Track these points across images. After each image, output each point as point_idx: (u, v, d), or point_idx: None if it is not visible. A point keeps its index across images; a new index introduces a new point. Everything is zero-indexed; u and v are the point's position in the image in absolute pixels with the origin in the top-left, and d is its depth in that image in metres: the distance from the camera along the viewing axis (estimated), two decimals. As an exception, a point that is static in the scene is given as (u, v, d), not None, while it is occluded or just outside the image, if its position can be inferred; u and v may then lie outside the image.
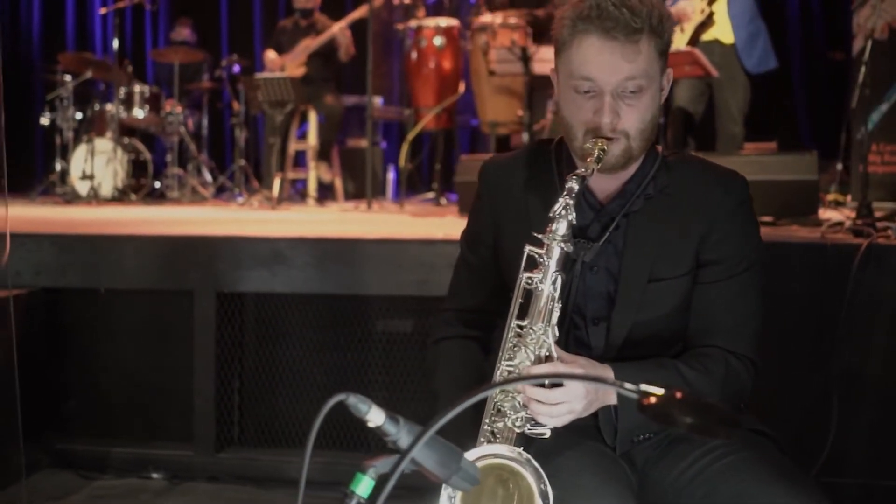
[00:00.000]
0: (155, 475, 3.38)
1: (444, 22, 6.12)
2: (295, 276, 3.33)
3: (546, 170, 1.71)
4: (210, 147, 7.76)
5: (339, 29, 6.36)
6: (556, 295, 1.49)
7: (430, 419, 1.79)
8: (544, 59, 5.51)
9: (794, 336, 3.01)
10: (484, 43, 5.83)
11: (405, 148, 6.11)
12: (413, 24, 6.09)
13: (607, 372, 1.52)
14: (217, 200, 7.01)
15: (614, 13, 1.50)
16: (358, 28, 6.50)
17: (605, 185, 1.65)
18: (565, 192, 1.49)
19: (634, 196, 1.64)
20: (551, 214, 1.49)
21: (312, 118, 6.63)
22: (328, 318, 3.42)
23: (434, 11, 6.44)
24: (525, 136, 5.62)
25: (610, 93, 1.53)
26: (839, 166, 6.14)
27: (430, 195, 6.59)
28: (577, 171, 1.51)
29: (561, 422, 1.48)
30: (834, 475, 2.85)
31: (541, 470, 1.39)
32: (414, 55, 6.07)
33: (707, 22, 5.17)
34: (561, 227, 1.48)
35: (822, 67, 7.56)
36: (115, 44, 7.14)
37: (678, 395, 0.92)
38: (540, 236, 1.50)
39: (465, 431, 1.70)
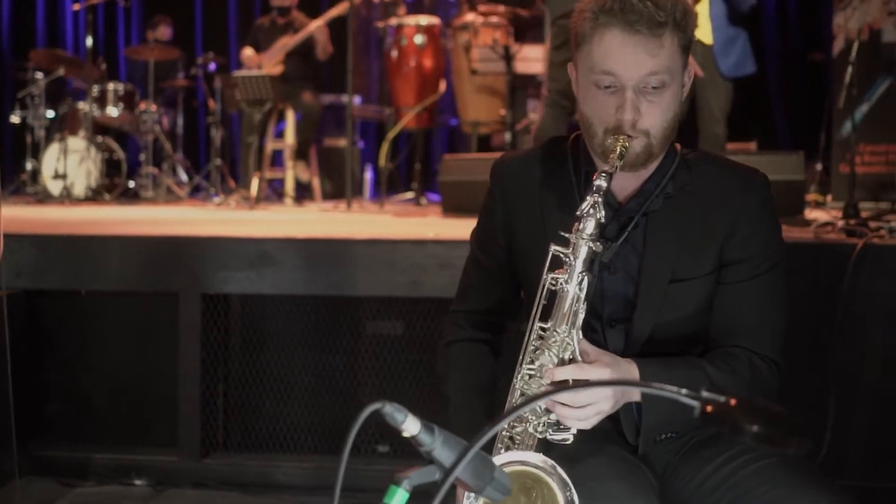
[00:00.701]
0: (138, 482, 3.29)
1: (425, 20, 6.06)
2: (283, 278, 3.26)
3: (562, 168, 1.66)
4: (185, 146, 7.65)
5: (316, 27, 6.29)
6: (582, 296, 1.44)
7: (446, 424, 1.75)
8: (527, 58, 5.48)
9: (791, 336, 2.97)
10: (465, 41, 5.79)
11: (385, 147, 6.05)
12: (394, 22, 6.03)
13: (632, 369, 1.48)
14: (193, 200, 6.90)
15: (638, 6, 1.46)
16: (336, 26, 6.43)
17: (623, 184, 1.61)
18: (594, 190, 1.44)
19: (654, 195, 1.59)
20: (578, 213, 1.44)
21: (290, 117, 6.54)
22: (316, 320, 3.36)
23: (414, 9, 6.38)
24: (508, 136, 5.58)
25: (632, 88, 1.49)
26: (818, 167, 6.16)
27: (410, 195, 6.54)
28: (604, 169, 1.46)
29: (588, 424, 1.43)
30: (831, 476, 2.82)
31: (566, 478, 1.34)
32: (394, 54, 6.01)
33: (691, 22, 5.15)
34: (589, 226, 1.43)
35: (800, 68, 7.60)
36: (89, 41, 7.01)
37: (743, 401, 0.87)
38: (567, 235, 1.45)
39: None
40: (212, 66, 7.46)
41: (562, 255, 1.45)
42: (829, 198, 5.74)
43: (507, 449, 1.48)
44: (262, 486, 3.29)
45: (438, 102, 6.20)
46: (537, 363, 1.45)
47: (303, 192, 6.84)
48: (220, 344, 3.36)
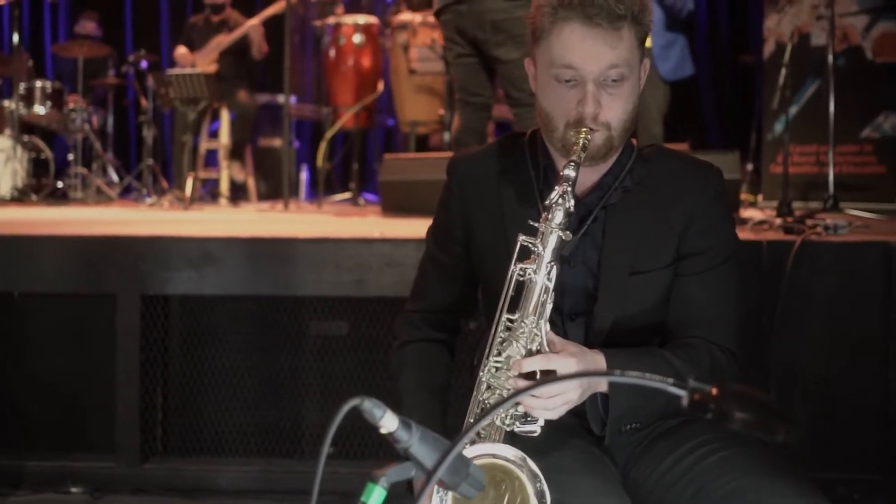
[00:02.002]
0: (74, 489, 3.19)
1: (364, 19, 6.03)
2: (226, 278, 3.19)
3: (520, 163, 1.66)
4: (115, 145, 7.47)
5: (251, 26, 6.20)
6: (551, 286, 1.44)
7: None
8: (466, 59, 5.47)
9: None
10: (404, 41, 5.77)
11: (323, 147, 6.00)
12: (331, 20, 5.98)
13: (599, 359, 1.48)
14: (124, 201, 6.75)
15: (598, 0, 1.46)
16: (271, 25, 6.35)
17: (582, 178, 1.60)
18: (562, 180, 1.44)
19: (612, 188, 1.60)
20: (547, 202, 1.44)
21: (225, 116, 6.45)
22: (260, 320, 3.30)
23: (350, 9, 6.33)
24: (446, 136, 5.58)
25: (593, 81, 1.49)
26: (749, 167, 6.30)
27: (347, 195, 6.50)
28: (572, 158, 1.46)
29: (556, 414, 1.43)
30: (795, 464, 2.88)
31: (537, 470, 1.34)
32: (332, 53, 5.97)
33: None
34: (558, 216, 1.43)
35: (730, 70, 7.75)
36: (15, 37, 6.80)
37: (729, 389, 0.88)
38: (536, 224, 1.45)
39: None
40: (143, 64, 7.32)
41: (530, 246, 1.45)
42: (759, 197, 5.87)
43: (474, 442, 1.47)
44: (205, 491, 3.22)
45: (376, 102, 6.17)
46: (504, 355, 1.44)
47: (238, 193, 6.75)
48: (160, 346, 3.28)
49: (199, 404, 3.31)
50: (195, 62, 6.40)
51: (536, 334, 1.44)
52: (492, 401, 1.47)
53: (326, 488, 3.22)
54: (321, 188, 6.04)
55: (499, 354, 1.46)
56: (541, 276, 1.44)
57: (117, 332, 3.20)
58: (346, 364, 3.29)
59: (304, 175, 7.52)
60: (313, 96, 6.52)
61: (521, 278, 1.45)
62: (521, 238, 1.46)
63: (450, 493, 1.33)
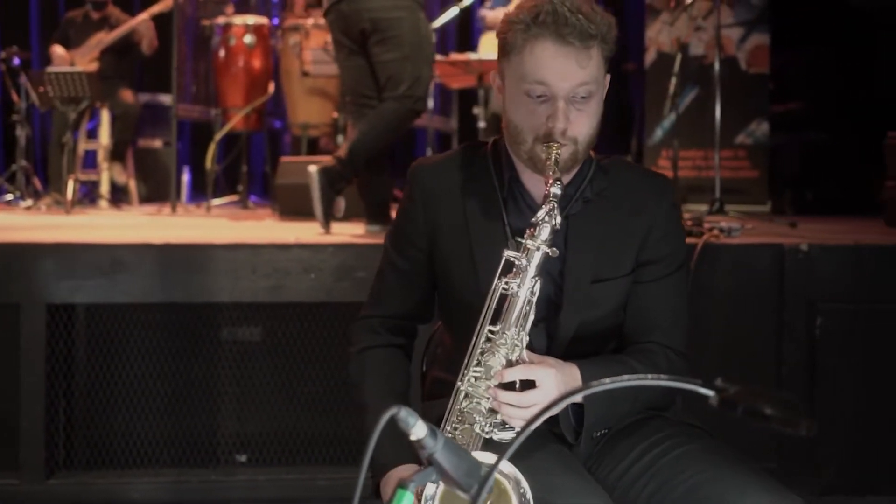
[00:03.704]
0: (-25, 508, 3.06)
1: (254, 20, 5.95)
2: (138, 285, 3.12)
3: (483, 173, 1.70)
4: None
5: (141, 21, 6.02)
6: (534, 300, 1.49)
7: (361, 432, 1.74)
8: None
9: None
10: (296, 43, 5.73)
11: (212, 149, 5.88)
12: (221, 20, 5.87)
13: (574, 371, 1.54)
14: (-6, 204, 6.42)
15: (571, 19, 1.52)
16: (157, 24, 6.19)
17: (541, 187, 1.66)
18: (550, 198, 1.49)
19: (574, 199, 1.66)
20: (534, 220, 1.49)
21: (105, 116, 6.23)
22: (172, 328, 3.23)
23: (239, 9, 6.23)
24: (340, 139, 5.57)
25: (563, 98, 1.55)
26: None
27: (234, 198, 6.39)
28: (556, 177, 1.51)
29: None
30: (750, 458, 3.02)
31: (519, 475, 1.38)
32: (222, 53, 5.86)
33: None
34: (544, 233, 1.49)
35: (613, 78, 7.99)
36: None
37: (750, 389, 0.95)
38: (521, 240, 1.50)
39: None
40: (16, 61, 6.98)
41: (514, 260, 1.50)
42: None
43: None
44: (115, 505, 3.14)
45: (265, 104, 6.10)
46: (485, 365, 1.49)
47: (118, 196, 6.53)
48: (67, 357, 3.17)
49: (109, 415, 3.22)
50: (73, 60, 6.16)
51: (517, 345, 1.49)
52: (468, 407, 1.51)
53: (246, 497, 3.20)
54: (209, 190, 5.91)
55: (478, 364, 1.50)
56: (524, 289, 1.49)
57: (22, 344, 3.08)
58: (261, 369, 3.26)
59: (186, 177, 7.33)
60: (201, 97, 6.38)
61: (505, 292, 1.50)
62: (507, 253, 1.50)
63: (440, 489, 1.35)
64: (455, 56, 5.15)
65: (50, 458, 3.14)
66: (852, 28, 6.12)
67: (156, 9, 5.96)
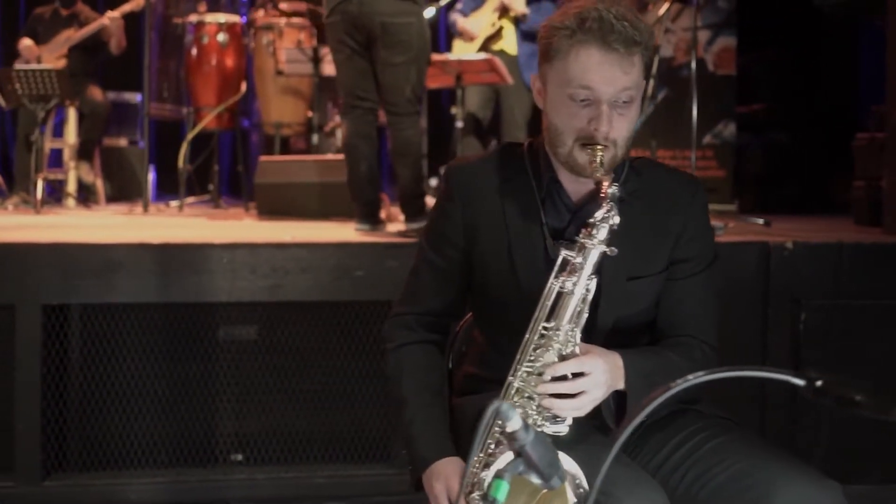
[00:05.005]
0: (-30, 512, 3.03)
1: (226, 18, 5.91)
2: (135, 285, 3.11)
3: (520, 174, 1.75)
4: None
5: (111, 19, 5.94)
6: (589, 297, 1.54)
7: (400, 427, 1.78)
8: (335, 61, 5.49)
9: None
10: (269, 42, 5.72)
11: (185, 148, 5.84)
12: (193, 18, 5.83)
13: (616, 358, 1.60)
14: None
15: (617, 26, 1.57)
16: (126, 22, 6.12)
17: (579, 188, 1.72)
18: (608, 198, 1.54)
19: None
20: (592, 220, 1.55)
21: (72, 114, 6.15)
22: (169, 328, 3.23)
23: (210, 7, 6.19)
24: (316, 138, 5.58)
25: (606, 102, 1.61)
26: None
27: (205, 197, 6.35)
28: (613, 181, 1.56)
29: (583, 412, 1.54)
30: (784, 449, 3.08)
31: (574, 464, 1.44)
32: (195, 51, 5.82)
33: (496, 34, 5.44)
34: (602, 232, 1.54)
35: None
36: None
37: (836, 378, 1.01)
38: (578, 239, 1.55)
39: (440, 437, 1.71)
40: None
41: (570, 258, 1.55)
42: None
43: (499, 444, 1.56)
44: (111, 506, 3.13)
45: (237, 103, 6.07)
46: (539, 361, 1.54)
47: (84, 195, 6.44)
48: (62, 357, 3.15)
49: (105, 416, 3.21)
50: (41, 56, 6.07)
51: (570, 341, 1.54)
52: (520, 404, 1.55)
53: (245, 496, 3.21)
54: (181, 190, 5.87)
55: (532, 361, 1.55)
56: (580, 287, 1.54)
57: (17, 345, 3.06)
58: (259, 368, 3.27)
59: (151, 176, 7.26)
60: (171, 95, 6.32)
61: (562, 290, 1.55)
62: (564, 252, 1.55)
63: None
64: (434, 56, 5.20)
65: (46, 459, 3.12)
66: (816, 31, 6.30)
67: (127, 7, 5.89)
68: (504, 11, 5.46)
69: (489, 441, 1.57)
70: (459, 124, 5.06)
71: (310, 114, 5.68)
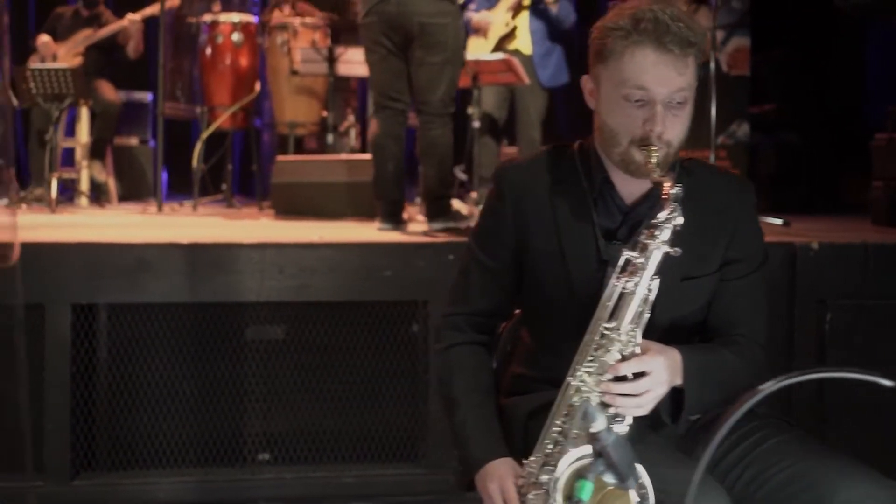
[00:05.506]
0: (0, 511, 3.03)
1: (241, 17, 5.92)
2: (163, 285, 3.12)
3: (571, 176, 1.75)
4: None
5: (132, 21, 5.95)
6: (651, 297, 1.55)
7: (451, 427, 1.79)
8: (350, 61, 5.51)
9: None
10: (284, 41, 5.73)
11: (199, 147, 5.84)
12: (207, 18, 5.84)
13: (675, 354, 1.61)
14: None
15: (672, 27, 1.58)
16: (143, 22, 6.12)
17: (631, 189, 1.73)
18: (672, 200, 1.55)
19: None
20: (654, 221, 1.55)
21: (84, 113, 6.15)
22: (197, 328, 3.23)
23: (223, 7, 6.19)
24: (330, 138, 5.59)
25: (661, 103, 1.61)
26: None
27: (219, 196, 6.35)
28: (676, 183, 1.57)
29: (646, 410, 1.55)
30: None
31: (641, 470, 1.44)
32: (209, 51, 5.82)
33: (510, 34, 5.44)
34: (665, 233, 1.55)
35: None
36: None
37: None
38: (641, 240, 1.56)
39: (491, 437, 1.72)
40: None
41: (632, 259, 1.56)
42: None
43: (557, 444, 1.56)
44: (141, 505, 3.14)
45: (252, 102, 6.08)
46: (599, 361, 1.55)
47: (95, 194, 6.45)
48: (91, 357, 3.16)
49: (134, 416, 3.21)
50: (57, 53, 6.08)
51: (631, 341, 1.55)
52: (576, 402, 1.56)
53: (273, 495, 3.21)
54: (195, 189, 5.87)
55: (592, 361, 1.56)
56: (642, 288, 1.55)
57: (46, 345, 3.06)
58: (287, 368, 3.27)
59: (162, 175, 7.26)
60: (184, 94, 6.33)
61: (624, 291, 1.56)
62: (626, 253, 1.56)
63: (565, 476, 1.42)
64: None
65: (75, 459, 3.13)
66: (825, 31, 6.31)
67: (148, 11, 5.90)
68: (517, 11, 5.47)
69: (546, 441, 1.58)
70: (476, 124, 5.06)
71: (324, 113, 5.70)
